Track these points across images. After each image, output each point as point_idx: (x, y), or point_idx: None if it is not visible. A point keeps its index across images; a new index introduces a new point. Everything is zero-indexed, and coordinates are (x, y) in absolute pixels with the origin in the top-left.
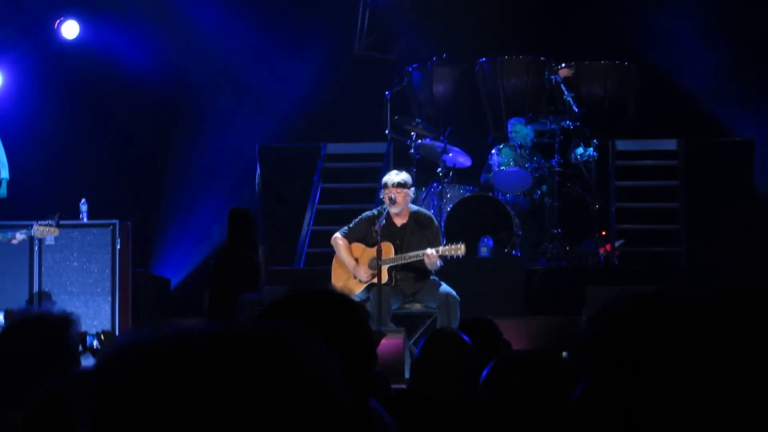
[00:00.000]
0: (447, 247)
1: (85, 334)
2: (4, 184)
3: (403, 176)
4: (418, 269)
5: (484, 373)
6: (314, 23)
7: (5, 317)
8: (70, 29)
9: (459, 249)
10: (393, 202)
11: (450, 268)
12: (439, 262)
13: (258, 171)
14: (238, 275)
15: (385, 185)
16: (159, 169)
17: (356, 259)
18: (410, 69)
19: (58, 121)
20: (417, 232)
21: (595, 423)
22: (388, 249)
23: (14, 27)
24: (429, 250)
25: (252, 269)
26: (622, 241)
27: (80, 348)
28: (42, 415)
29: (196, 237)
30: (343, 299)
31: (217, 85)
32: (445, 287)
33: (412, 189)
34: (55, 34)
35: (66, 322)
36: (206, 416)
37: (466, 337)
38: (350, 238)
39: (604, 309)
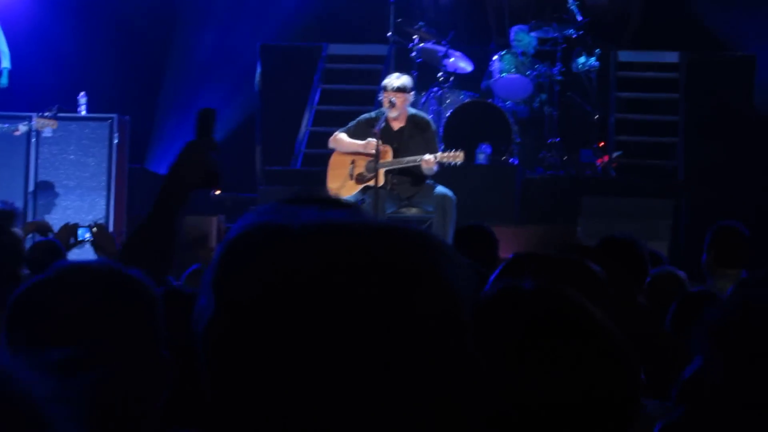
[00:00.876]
0: (445, 154)
1: (76, 226)
2: (6, 74)
3: (403, 80)
4: (415, 174)
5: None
6: None
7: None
8: None
9: (457, 156)
10: (392, 105)
11: (446, 174)
12: (435, 167)
13: (258, 69)
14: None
15: (385, 88)
16: (159, 65)
17: (353, 161)
18: None
19: (59, 11)
20: (414, 135)
21: (726, 412)
22: (387, 152)
23: None
24: (427, 156)
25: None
26: (619, 153)
27: (72, 240)
28: (26, 309)
29: (194, 136)
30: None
31: None
32: (440, 189)
33: (412, 93)
34: None
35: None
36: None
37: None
38: (350, 136)
39: (739, 297)
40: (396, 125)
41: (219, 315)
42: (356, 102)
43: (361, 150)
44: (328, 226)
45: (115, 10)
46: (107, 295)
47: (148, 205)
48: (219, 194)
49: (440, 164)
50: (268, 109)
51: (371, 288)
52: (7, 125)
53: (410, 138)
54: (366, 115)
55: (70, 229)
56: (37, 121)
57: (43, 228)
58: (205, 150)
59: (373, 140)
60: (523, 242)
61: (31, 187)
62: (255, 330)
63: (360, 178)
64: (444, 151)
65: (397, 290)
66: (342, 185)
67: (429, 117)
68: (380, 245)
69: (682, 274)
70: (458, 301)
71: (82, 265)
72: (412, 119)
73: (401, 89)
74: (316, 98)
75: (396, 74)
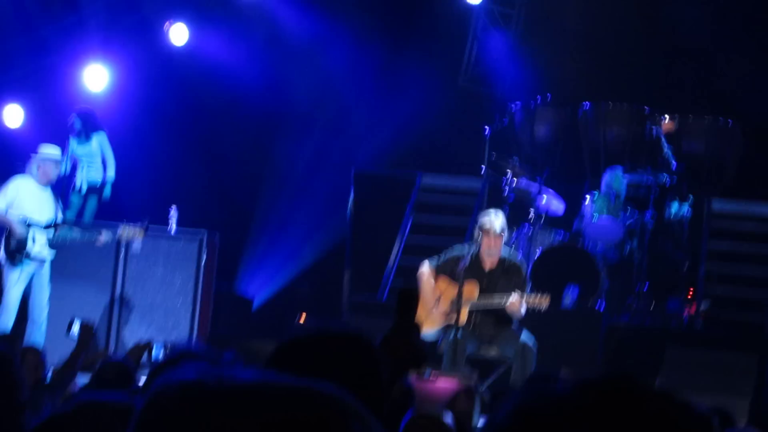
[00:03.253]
0: (532, 296)
1: (149, 345)
2: (109, 185)
3: (502, 222)
4: (500, 314)
5: None
6: (421, 51)
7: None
8: (179, 34)
9: (544, 301)
10: (491, 247)
11: (531, 314)
12: (522, 311)
13: (351, 196)
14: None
15: (485, 229)
16: (252, 184)
17: (440, 295)
18: (513, 107)
19: (157, 125)
20: (504, 277)
21: None
22: (473, 290)
23: (123, 25)
24: (513, 298)
25: (416, 355)
26: (708, 304)
27: (144, 359)
28: None
29: (284, 257)
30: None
31: (319, 105)
32: (524, 336)
33: (506, 233)
34: (163, 37)
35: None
36: None
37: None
38: (439, 270)
39: (521, 405)
40: (488, 264)
41: None
42: (447, 233)
43: (429, 300)
44: (245, 388)
45: (212, 127)
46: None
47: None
48: (304, 322)
49: (526, 307)
50: (359, 236)
51: None
52: (90, 233)
53: (500, 279)
54: (458, 248)
55: (142, 348)
56: (123, 230)
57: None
58: (409, 333)
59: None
60: None
61: (116, 302)
62: None
63: (443, 314)
64: (531, 293)
65: None
66: (425, 318)
67: (522, 261)
68: (293, 407)
69: None
70: None
71: (102, 402)
72: (504, 261)
73: (501, 233)
74: (408, 228)
75: (493, 212)
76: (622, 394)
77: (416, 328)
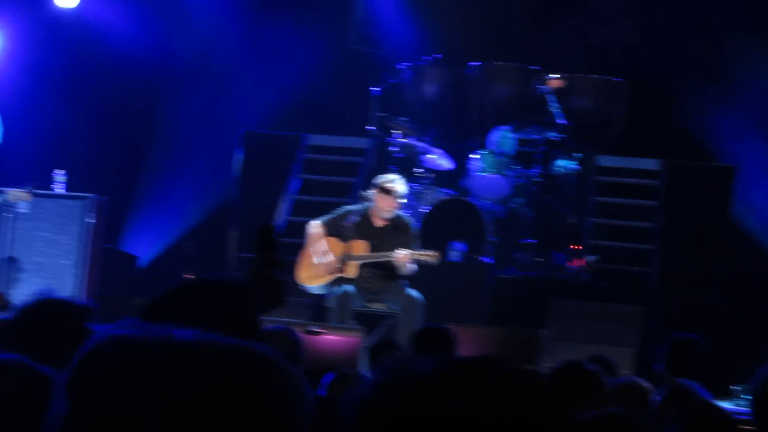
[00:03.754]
0: (421, 252)
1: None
2: None
3: (404, 187)
4: (387, 270)
5: None
6: (309, 12)
7: None
8: None
9: (433, 256)
10: (385, 209)
11: (420, 269)
12: (410, 266)
13: (239, 156)
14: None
15: (386, 189)
16: (140, 146)
17: (329, 249)
18: (401, 67)
19: (45, 89)
20: (394, 235)
21: None
22: (363, 247)
23: None
24: (401, 251)
25: (276, 291)
26: (594, 257)
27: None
28: None
29: (170, 217)
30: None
31: (206, 68)
32: (410, 290)
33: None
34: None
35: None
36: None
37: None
38: (329, 226)
39: (382, 382)
40: (378, 222)
41: (71, 418)
42: (334, 193)
43: (318, 254)
44: (178, 345)
45: (100, 90)
46: (13, 389)
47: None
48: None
49: (415, 263)
50: (246, 196)
51: (212, 405)
52: None
53: (390, 237)
54: (349, 208)
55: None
56: (10, 195)
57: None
58: (271, 267)
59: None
60: (488, 344)
61: (3, 263)
62: None
63: (331, 268)
64: (420, 249)
65: (236, 405)
66: (312, 275)
67: (410, 219)
68: (224, 365)
69: (646, 384)
70: (291, 412)
71: None
72: (394, 219)
73: (399, 196)
74: (295, 187)
75: (397, 177)
76: (480, 377)
77: (277, 263)
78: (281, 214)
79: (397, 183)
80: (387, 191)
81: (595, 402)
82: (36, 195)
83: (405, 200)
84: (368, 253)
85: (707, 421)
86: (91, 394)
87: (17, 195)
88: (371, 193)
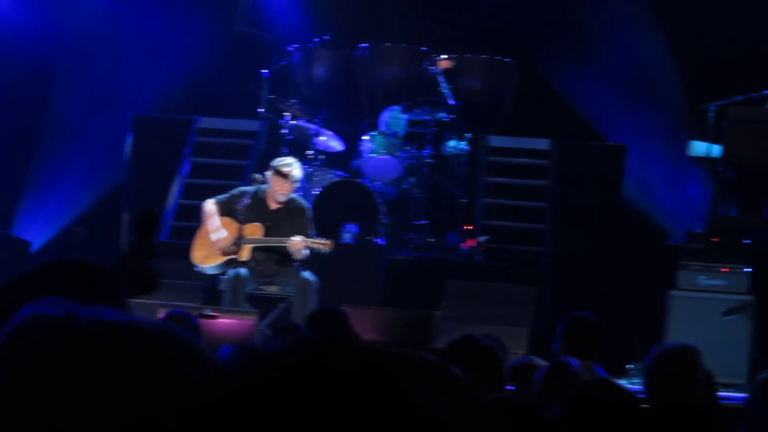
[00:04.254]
0: (314, 240)
1: None
2: None
3: (300, 171)
4: (282, 253)
5: None
6: None
7: None
8: None
9: (326, 244)
10: (280, 192)
11: (312, 253)
12: (304, 252)
13: (129, 140)
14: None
15: (283, 172)
16: (28, 133)
17: (224, 230)
18: (290, 49)
19: None
20: (289, 218)
21: None
22: (257, 229)
23: None
24: (295, 238)
25: (151, 277)
26: (486, 237)
27: None
28: None
29: (62, 202)
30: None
31: (94, 51)
32: (304, 273)
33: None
34: None
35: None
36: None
37: None
38: (223, 208)
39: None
40: (273, 205)
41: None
42: (225, 176)
43: (212, 235)
44: (94, 324)
45: None
46: None
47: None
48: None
49: (309, 249)
50: (137, 179)
51: (141, 380)
52: None
53: (284, 220)
54: (244, 189)
55: None
56: None
57: None
58: (147, 255)
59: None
60: (382, 325)
61: None
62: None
63: (225, 251)
64: (315, 237)
65: (162, 379)
66: (207, 255)
67: (305, 202)
68: (150, 342)
69: (543, 363)
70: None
71: None
72: (289, 202)
73: (294, 180)
74: (186, 171)
75: (294, 161)
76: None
77: (154, 251)
78: (172, 197)
79: (294, 167)
80: (283, 175)
81: (494, 380)
82: None
83: (299, 184)
84: (262, 237)
85: (588, 398)
86: (17, 371)
87: None
88: (267, 175)
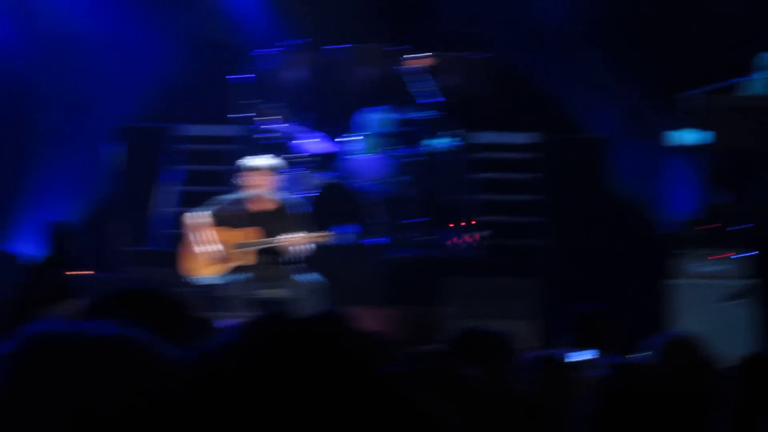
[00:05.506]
0: (315, 234)
1: None
2: None
3: (271, 161)
4: (285, 254)
5: None
6: (165, 5)
7: None
8: None
9: (327, 236)
10: (259, 187)
11: (313, 254)
12: (307, 247)
13: (110, 151)
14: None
15: (248, 168)
16: (13, 152)
17: (219, 240)
18: (262, 53)
19: None
20: (285, 217)
21: None
22: (256, 233)
23: None
24: (296, 235)
25: (63, 287)
26: (488, 232)
27: None
28: None
29: (50, 215)
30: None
31: (70, 68)
32: (312, 274)
33: (278, 174)
34: None
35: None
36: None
37: None
38: (215, 218)
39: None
40: (268, 207)
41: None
42: (206, 182)
43: (205, 246)
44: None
45: None
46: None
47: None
48: (73, 274)
49: (311, 244)
50: (121, 190)
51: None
52: None
53: (279, 220)
54: (233, 196)
55: None
56: None
57: None
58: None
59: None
60: (388, 323)
61: None
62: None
63: (227, 258)
64: (313, 231)
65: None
66: (198, 265)
67: (300, 200)
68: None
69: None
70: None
71: None
72: (282, 202)
73: (270, 170)
74: (168, 178)
75: (264, 156)
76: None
77: (65, 263)
78: (156, 205)
79: (259, 159)
80: (252, 169)
81: (501, 372)
82: None
83: (276, 173)
84: (263, 239)
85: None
86: (28, 383)
87: None
88: (241, 179)
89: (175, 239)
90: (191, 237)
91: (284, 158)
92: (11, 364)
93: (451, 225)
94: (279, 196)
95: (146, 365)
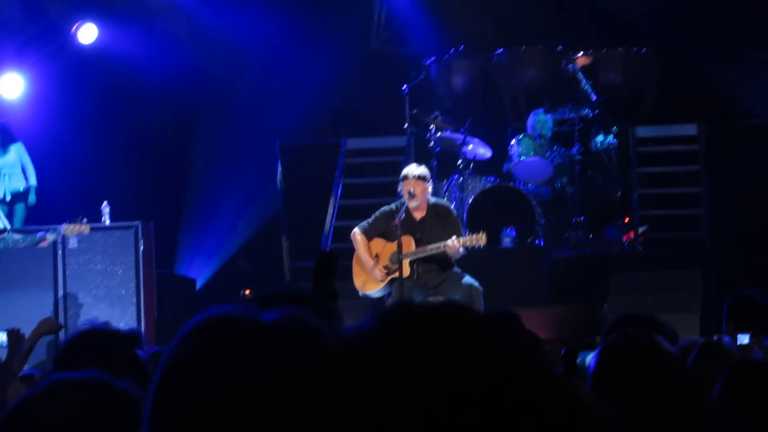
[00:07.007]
0: (468, 237)
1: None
2: (33, 191)
3: (421, 169)
4: (440, 261)
5: None
6: (330, 18)
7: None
8: (87, 33)
9: (480, 239)
10: (412, 195)
11: (473, 259)
12: (461, 251)
13: (279, 168)
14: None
15: (405, 178)
16: (180, 170)
17: (377, 255)
18: (427, 63)
19: (78, 126)
20: (437, 223)
21: None
22: (409, 242)
23: (34, 32)
24: (450, 241)
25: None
26: (645, 227)
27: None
28: (17, 423)
29: (220, 236)
30: None
31: (235, 84)
32: (468, 278)
33: (431, 182)
34: (72, 38)
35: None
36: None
37: None
38: (370, 233)
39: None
40: (418, 215)
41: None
42: (379, 194)
43: (368, 270)
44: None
45: (133, 119)
46: (97, 408)
47: (181, 311)
48: (249, 295)
49: (465, 248)
50: (292, 206)
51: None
52: (38, 235)
53: (432, 227)
54: (386, 208)
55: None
56: (66, 228)
57: (55, 327)
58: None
59: (377, 270)
60: (551, 323)
61: (60, 301)
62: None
63: (385, 271)
64: (467, 235)
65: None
66: (367, 280)
67: (449, 204)
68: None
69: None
70: None
71: (73, 380)
72: (433, 208)
73: (421, 178)
74: (339, 193)
75: (414, 164)
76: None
77: (334, 293)
78: (329, 220)
79: (410, 167)
80: (403, 177)
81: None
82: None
83: (426, 180)
84: (419, 248)
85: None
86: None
87: (74, 228)
88: (401, 189)
89: (347, 253)
90: (358, 252)
91: (454, 165)
92: (183, 344)
93: (621, 220)
94: (431, 202)
95: (321, 344)
